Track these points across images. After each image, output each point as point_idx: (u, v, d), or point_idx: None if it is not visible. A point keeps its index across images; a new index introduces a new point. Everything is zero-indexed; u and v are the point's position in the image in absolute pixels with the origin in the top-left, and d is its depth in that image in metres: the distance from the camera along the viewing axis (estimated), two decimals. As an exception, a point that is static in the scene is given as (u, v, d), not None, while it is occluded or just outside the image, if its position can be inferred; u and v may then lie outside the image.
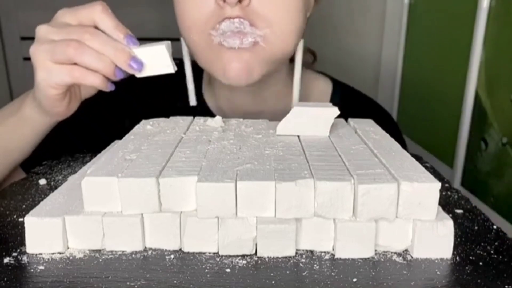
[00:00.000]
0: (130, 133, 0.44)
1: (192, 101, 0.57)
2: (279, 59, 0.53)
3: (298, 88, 0.57)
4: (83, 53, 0.41)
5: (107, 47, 0.42)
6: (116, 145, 0.41)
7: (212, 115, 0.62)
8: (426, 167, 0.36)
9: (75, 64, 0.42)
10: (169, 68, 0.45)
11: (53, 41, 0.42)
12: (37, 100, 0.46)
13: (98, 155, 0.45)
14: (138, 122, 0.49)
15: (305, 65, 0.65)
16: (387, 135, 0.44)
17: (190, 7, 0.49)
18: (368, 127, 0.46)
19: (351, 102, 0.66)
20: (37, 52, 0.42)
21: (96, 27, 0.43)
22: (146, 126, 0.46)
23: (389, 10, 1.59)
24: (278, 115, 0.63)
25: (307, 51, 0.69)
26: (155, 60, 0.44)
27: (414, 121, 1.44)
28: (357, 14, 1.62)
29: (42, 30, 0.43)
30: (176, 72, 0.57)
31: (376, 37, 1.64)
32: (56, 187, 0.40)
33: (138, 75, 0.45)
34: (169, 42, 0.45)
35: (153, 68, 0.45)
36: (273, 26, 0.49)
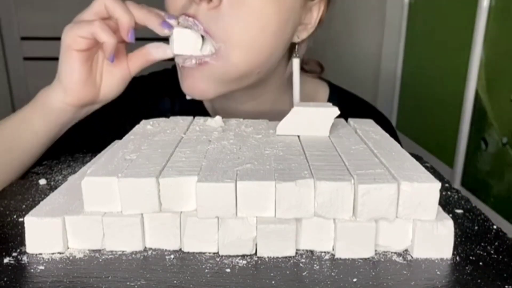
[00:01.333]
0: (130, 133, 0.44)
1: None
2: (239, 77, 0.50)
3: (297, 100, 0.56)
4: (115, 3, 0.45)
5: (139, 9, 0.46)
6: (116, 145, 0.41)
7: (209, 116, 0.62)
8: (426, 167, 0.36)
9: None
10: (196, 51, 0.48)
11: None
12: (56, 79, 0.48)
13: (98, 155, 0.45)
14: (139, 121, 0.49)
15: (310, 72, 0.65)
16: (387, 135, 0.44)
17: (170, 1, 0.50)
18: (368, 127, 0.46)
19: (348, 106, 0.66)
20: (67, 28, 0.46)
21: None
22: (146, 126, 0.46)
23: (389, 10, 1.59)
24: (275, 119, 0.63)
25: (316, 63, 0.68)
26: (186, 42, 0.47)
27: (414, 121, 1.44)
28: (357, 14, 1.62)
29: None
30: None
31: (376, 37, 1.64)
32: (56, 187, 0.40)
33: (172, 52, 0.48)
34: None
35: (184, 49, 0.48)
36: (231, 41, 0.47)
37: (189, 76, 0.50)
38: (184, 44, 0.47)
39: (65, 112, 0.49)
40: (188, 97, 0.57)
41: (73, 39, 0.45)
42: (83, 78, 0.47)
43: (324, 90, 0.67)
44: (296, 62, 0.55)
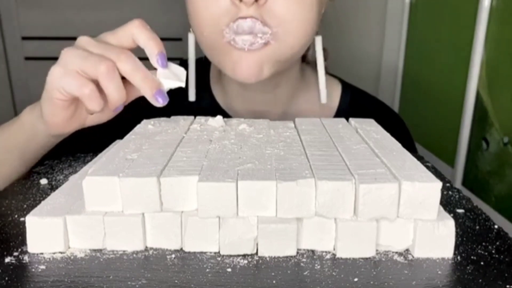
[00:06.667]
0: (131, 132, 0.44)
1: (192, 96, 0.57)
2: (289, 57, 0.53)
3: (323, 81, 0.57)
4: (111, 79, 0.41)
5: (137, 72, 0.42)
6: (117, 144, 0.41)
7: (222, 112, 0.62)
8: (427, 167, 0.36)
9: (94, 82, 0.41)
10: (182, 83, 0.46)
11: (90, 52, 0.41)
12: (40, 105, 0.45)
13: (99, 155, 0.45)
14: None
15: (315, 65, 0.65)
16: (388, 135, 0.44)
17: (205, 4, 0.49)
18: (369, 127, 0.46)
19: (361, 105, 0.66)
20: (70, 53, 0.42)
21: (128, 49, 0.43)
22: (147, 126, 0.46)
23: (390, 9, 1.59)
24: (288, 115, 0.62)
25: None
26: (172, 77, 0.45)
27: (415, 121, 1.44)
28: (358, 13, 1.62)
29: (83, 40, 0.43)
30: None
31: (377, 36, 1.64)
32: (57, 187, 0.40)
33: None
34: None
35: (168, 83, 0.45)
36: (286, 24, 0.49)
37: (246, 59, 0.50)
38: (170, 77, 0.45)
39: (49, 138, 0.49)
40: (191, 98, 0.57)
41: (58, 90, 0.42)
42: (66, 119, 0.45)
43: (336, 87, 0.66)
44: (319, 39, 0.56)
